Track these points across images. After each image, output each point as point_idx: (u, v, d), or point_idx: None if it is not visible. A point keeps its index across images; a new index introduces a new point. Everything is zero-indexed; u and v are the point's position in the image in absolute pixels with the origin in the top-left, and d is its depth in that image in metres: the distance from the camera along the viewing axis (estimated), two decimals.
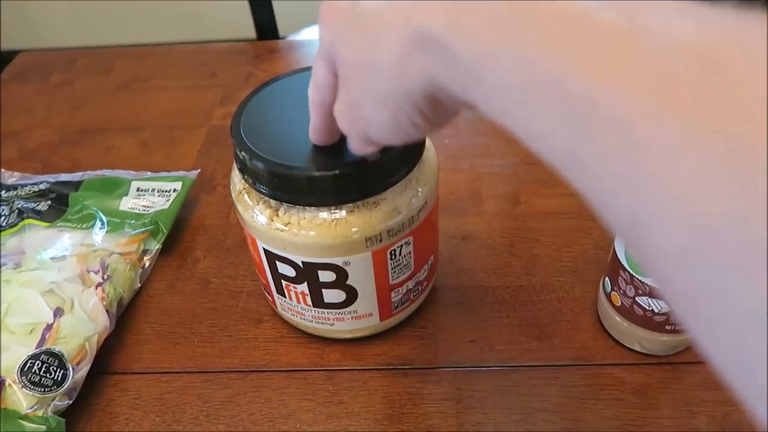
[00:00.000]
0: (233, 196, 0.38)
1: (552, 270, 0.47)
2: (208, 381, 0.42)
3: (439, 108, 0.22)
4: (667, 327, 0.38)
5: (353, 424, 0.39)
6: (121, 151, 0.62)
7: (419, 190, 0.36)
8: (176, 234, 0.52)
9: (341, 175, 0.32)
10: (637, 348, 0.41)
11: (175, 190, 0.53)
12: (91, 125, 0.66)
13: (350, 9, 0.23)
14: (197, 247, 0.51)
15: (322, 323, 0.41)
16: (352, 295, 0.38)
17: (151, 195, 0.53)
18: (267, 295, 0.43)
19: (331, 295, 0.38)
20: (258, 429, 0.39)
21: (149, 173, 0.56)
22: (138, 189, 0.54)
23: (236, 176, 0.38)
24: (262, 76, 0.71)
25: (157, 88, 0.71)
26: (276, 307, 0.43)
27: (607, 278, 0.40)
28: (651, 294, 0.37)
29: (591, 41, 0.15)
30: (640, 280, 0.37)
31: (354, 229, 0.34)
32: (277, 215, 0.35)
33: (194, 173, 0.55)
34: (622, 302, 0.39)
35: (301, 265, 0.36)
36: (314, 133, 0.32)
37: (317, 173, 0.32)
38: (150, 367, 0.43)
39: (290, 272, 0.37)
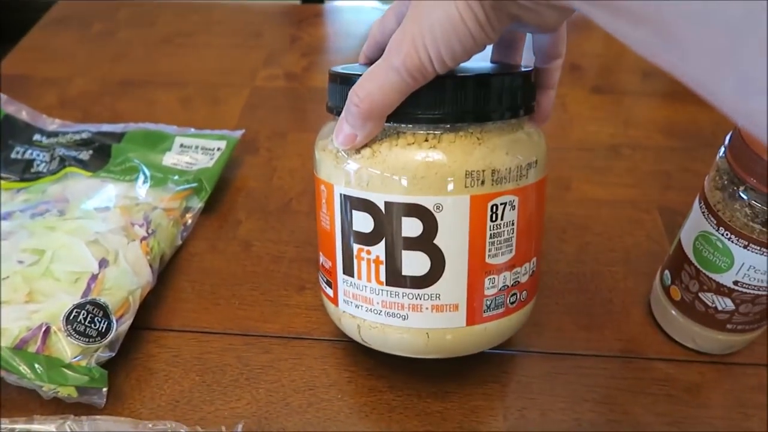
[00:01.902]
0: (316, 142, 0.34)
1: (603, 259, 0.46)
2: (248, 344, 0.41)
3: None
4: (728, 326, 0.37)
5: (396, 399, 0.38)
6: (163, 106, 0.61)
7: (530, 139, 0.32)
8: (218, 194, 0.51)
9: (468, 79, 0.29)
10: (691, 345, 0.40)
11: (219, 149, 0.52)
12: (133, 77, 0.65)
13: None
14: (239, 209, 0.51)
15: (394, 315, 0.33)
16: (437, 265, 0.32)
17: (195, 152, 0.52)
18: (326, 287, 0.36)
19: (412, 263, 0.32)
20: (299, 396, 0.38)
21: (193, 129, 0.55)
22: (181, 145, 0.53)
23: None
24: (308, 39, 0.70)
25: (201, 44, 0.70)
26: (338, 302, 0.35)
27: (667, 271, 0.39)
28: (717, 291, 0.35)
29: None
30: (707, 276, 0.35)
31: (452, 158, 0.30)
32: (365, 146, 0.31)
33: (239, 133, 0.54)
34: (682, 297, 0.38)
35: (382, 209, 0.31)
36: (362, 55, 0.35)
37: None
38: (189, 325, 0.42)
39: (367, 226, 0.32)
